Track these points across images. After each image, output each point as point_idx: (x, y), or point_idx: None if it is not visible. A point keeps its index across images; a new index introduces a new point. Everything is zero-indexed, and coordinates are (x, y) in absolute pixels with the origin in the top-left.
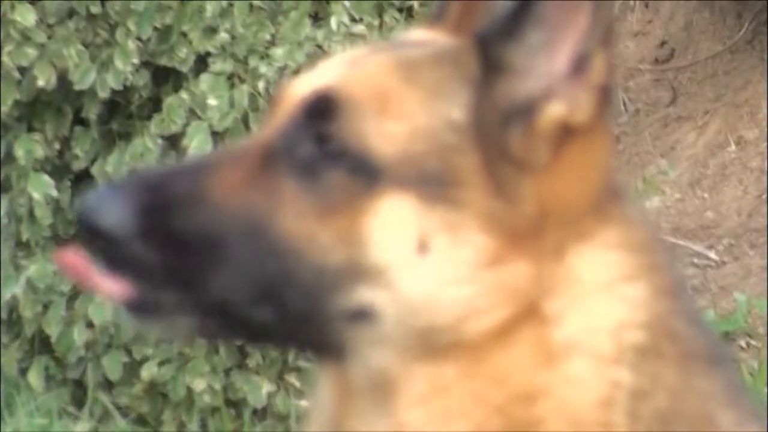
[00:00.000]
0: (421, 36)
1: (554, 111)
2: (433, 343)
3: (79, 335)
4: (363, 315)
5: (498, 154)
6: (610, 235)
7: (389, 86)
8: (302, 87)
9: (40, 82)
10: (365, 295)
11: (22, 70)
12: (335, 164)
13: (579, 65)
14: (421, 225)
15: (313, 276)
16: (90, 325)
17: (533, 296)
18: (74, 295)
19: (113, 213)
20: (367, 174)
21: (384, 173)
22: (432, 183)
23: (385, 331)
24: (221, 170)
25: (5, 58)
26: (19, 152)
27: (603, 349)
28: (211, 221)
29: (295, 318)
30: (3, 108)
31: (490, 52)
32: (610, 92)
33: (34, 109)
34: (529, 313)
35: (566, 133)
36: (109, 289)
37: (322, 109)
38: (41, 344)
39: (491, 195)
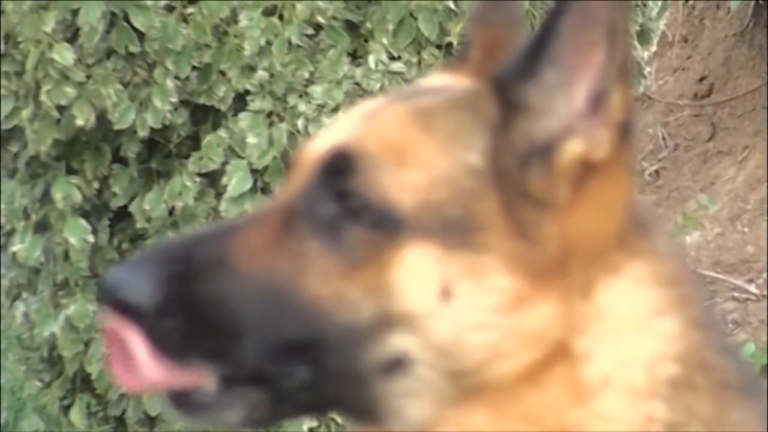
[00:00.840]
0: (440, 81)
1: (573, 149)
2: (465, 387)
3: None
4: (398, 365)
5: (518, 196)
6: (639, 269)
7: (405, 137)
8: (319, 146)
9: (79, 122)
10: (398, 343)
11: (61, 110)
12: (357, 220)
13: (597, 102)
14: (443, 272)
15: (345, 333)
16: None
17: (561, 336)
18: None
19: (137, 285)
20: (389, 226)
21: (405, 224)
22: (453, 229)
23: (421, 378)
24: (243, 235)
25: (44, 98)
26: (57, 195)
27: (636, 384)
28: (235, 287)
29: (332, 375)
30: (42, 147)
31: (507, 94)
32: (629, 128)
33: (72, 149)
34: (558, 353)
35: (586, 170)
36: (126, 381)
37: (339, 167)
38: (82, 382)
39: (513, 237)
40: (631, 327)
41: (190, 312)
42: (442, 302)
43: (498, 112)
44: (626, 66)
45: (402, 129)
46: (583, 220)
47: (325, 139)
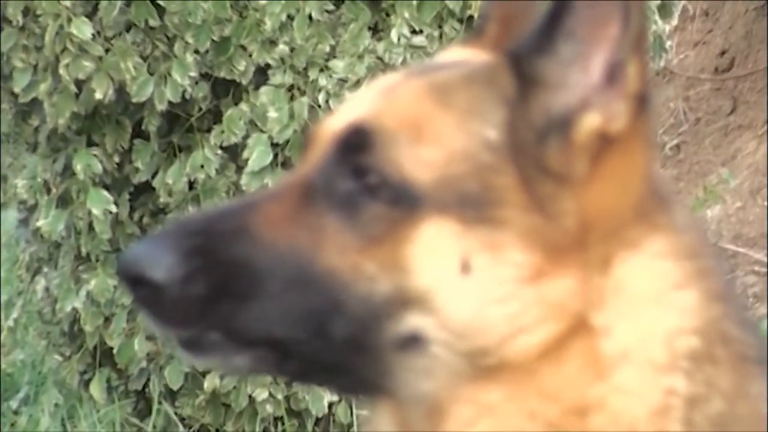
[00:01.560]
0: (458, 55)
1: (591, 122)
2: (482, 366)
3: (141, 347)
4: (412, 342)
5: (536, 170)
6: (658, 243)
7: (423, 112)
8: (337, 121)
9: (98, 95)
10: (413, 321)
11: (79, 84)
12: (375, 196)
13: (613, 74)
14: (463, 247)
15: (362, 306)
16: (151, 336)
17: (580, 310)
18: (135, 307)
19: (159, 261)
20: (406, 202)
21: (423, 199)
22: (471, 204)
23: (435, 356)
24: (263, 208)
25: (62, 72)
26: (78, 167)
27: (656, 358)
28: (255, 257)
29: (346, 349)
30: (61, 121)
31: (523, 69)
32: (646, 99)
33: (93, 123)
34: (576, 327)
35: (604, 143)
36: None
37: (356, 143)
38: (103, 356)
39: (531, 211)
40: (650, 301)
41: (211, 280)
42: (461, 277)
43: (515, 86)
44: (641, 37)
45: (419, 104)
46: (601, 194)
47: (343, 114)
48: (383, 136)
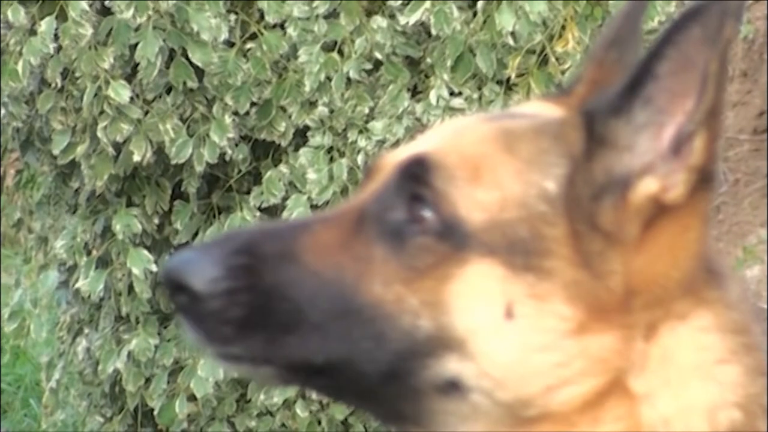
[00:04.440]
0: (536, 108)
1: (648, 186)
2: (522, 417)
3: (182, 408)
4: (452, 388)
5: (587, 226)
6: (705, 318)
7: (486, 155)
8: (401, 154)
9: (136, 157)
10: (454, 366)
11: (117, 146)
12: (424, 228)
13: (679, 144)
14: (508, 292)
15: (404, 342)
16: (192, 397)
17: (620, 370)
18: (176, 368)
19: (203, 272)
20: (455, 240)
21: (472, 239)
22: (519, 251)
23: (475, 404)
24: (314, 232)
25: (100, 134)
26: (117, 227)
27: (697, 429)
28: (299, 283)
29: (385, 385)
30: (99, 182)
31: (595, 127)
32: (709, 176)
33: (132, 184)
34: (616, 387)
35: (658, 210)
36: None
37: (415, 173)
38: (144, 417)
39: (578, 266)
40: (694, 373)
41: (252, 302)
42: (504, 322)
43: (583, 143)
44: (715, 113)
45: (484, 147)
46: (650, 261)
47: (409, 148)
48: (443, 171)
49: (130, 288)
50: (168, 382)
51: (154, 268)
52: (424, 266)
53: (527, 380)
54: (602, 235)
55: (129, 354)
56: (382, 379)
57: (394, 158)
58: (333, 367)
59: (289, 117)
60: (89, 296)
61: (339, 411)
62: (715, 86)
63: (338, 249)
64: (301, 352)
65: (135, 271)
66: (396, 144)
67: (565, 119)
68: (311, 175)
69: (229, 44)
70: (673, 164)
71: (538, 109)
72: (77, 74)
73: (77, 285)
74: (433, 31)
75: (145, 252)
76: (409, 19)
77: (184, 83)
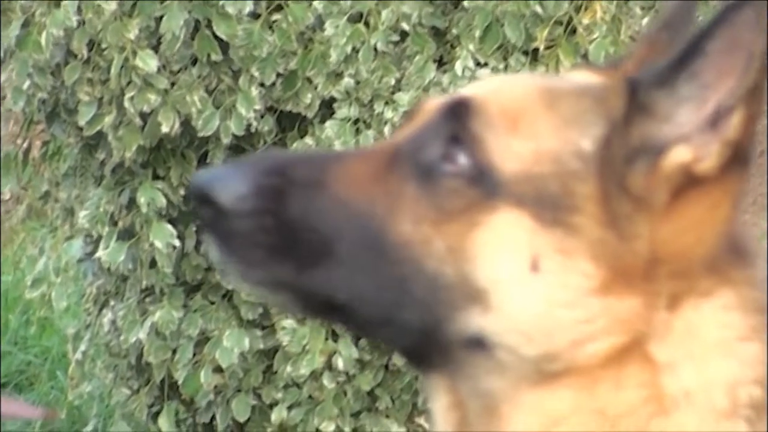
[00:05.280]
0: (582, 76)
1: (680, 155)
2: (547, 371)
3: (207, 379)
4: (477, 344)
5: (618, 188)
6: (728, 296)
7: (526, 108)
8: (443, 99)
9: (164, 128)
10: (478, 321)
11: (144, 117)
12: (457, 170)
13: (718, 118)
14: (534, 244)
15: (428, 290)
16: (218, 369)
17: (642, 334)
18: (202, 339)
19: (232, 188)
20: (486, 186)
21: (503, 188)
22: (548, 205)
23: (501, 361)
24: (347, 163)
25: (127, 104)
26: (141, 200)
27: (718, 404)
28: (328, 209)
29: (408, 334)
30: (127, 154)
31: (638, 96)
32: (743, 152)
33: (158, 156)
34: (638, 352)
35: (688, 180)
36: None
37: (456, 114)
38: (170, 389)
39: (605, 225)
40: (716, 349)
41: (279, 226)
42: (529, 274)
43: (623, 108)
44: (756, 92)
45: (526, 100)
46: (676, 233)
47: (452, 94)
48: (483, 117)
49: (153, 261)
50: (193, 354)
51: (177, 243)
52: (453, 209)
53: (552, 335)
54: (631, 198)
55: (152, 325)
56: (406, 329)
57: (436, 102)
58: (355, 309)
59: (315, 88)
60: (113, 267)
61: (365, 382)
62: (758, 67)
63: (370, 182)
64: (325, 286)
65: (158, 244)
66: None
67: (608, 84)
68: (337, 147)
69: (255, 16)
70: (708, 136)
71: (585, 77)
72: (103, 45)
73: (97, 255)
74: (466, 4)
75: (169, 226)
76: None
77: (209, 55)
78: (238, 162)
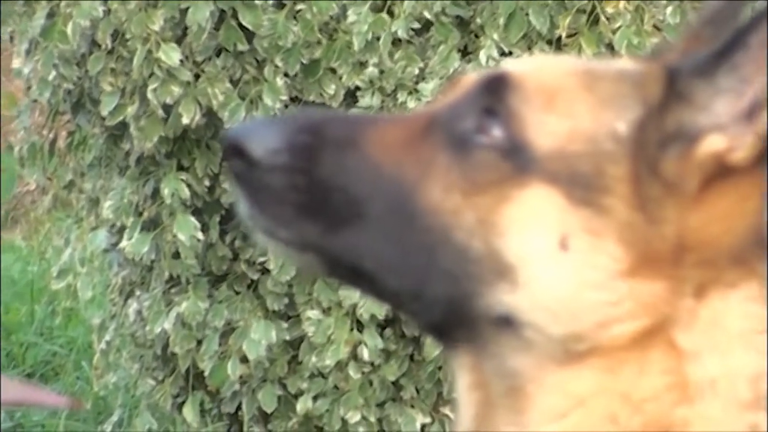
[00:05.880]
0: (623, 63)
1: (714, 143)
2: (573, 351)
3: (233, 369)
4: (505, 324)
5: (649, 171)
6: (753, 288)
7: (564, 87)
8: (483, 72)
9: (185, 120)
10: (506, 298)
11: (167, 108)
12: (491, 143)
13: (754, 110)
14: (564, 222)
15: (455, 261)
16: (244, 359)
17: (668, 319)
18: (228, 330)
19: (265, 142)
20: (519, 161)
21: (536, 164)
22: (580, 184)
23: (528, 339)
24: (381, 128)
25: (150, 95)
26: (165, 191)
27: (742, 395)
28: (359, 170)
29: (435, 305)
30: (148, 144)
31: (677, 84)
32: None
33: (183, 146)
34: (663, 338)
35: (720, 169)
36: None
37: (494, 87)
38: (195, 379)
39: (634, 208)
40: (739, 340)
41: (309, 185)
42: (558, 252)
43: (661, 94)
44: None
45: (564, 79)
46: (705, 222)
47: (492, 69)
48: (521, 91)
49: (177, 252)
50: (219, 344)
51: (200, 235)
52: (485, 181)
53: (579, 315)
54: (662, 183)
55: (178, 315)
56: (433, 302)
57: (475, 75)
58: (381, 277)
59: (339, 78)
60: (138, 258)
61: (390, 372)
62: None
63: (403, 148)
64: (352, 251)
65: (181, 237)
66: None
67: (648, 71)
68: None
69: (279, 6)
70: (743, 128)
71: (625, 63)
72: (127, 36)
73: (121, 245)
74: None
75: (193, 219)
76: None
77: (235, 45)
78: (273, 118)
